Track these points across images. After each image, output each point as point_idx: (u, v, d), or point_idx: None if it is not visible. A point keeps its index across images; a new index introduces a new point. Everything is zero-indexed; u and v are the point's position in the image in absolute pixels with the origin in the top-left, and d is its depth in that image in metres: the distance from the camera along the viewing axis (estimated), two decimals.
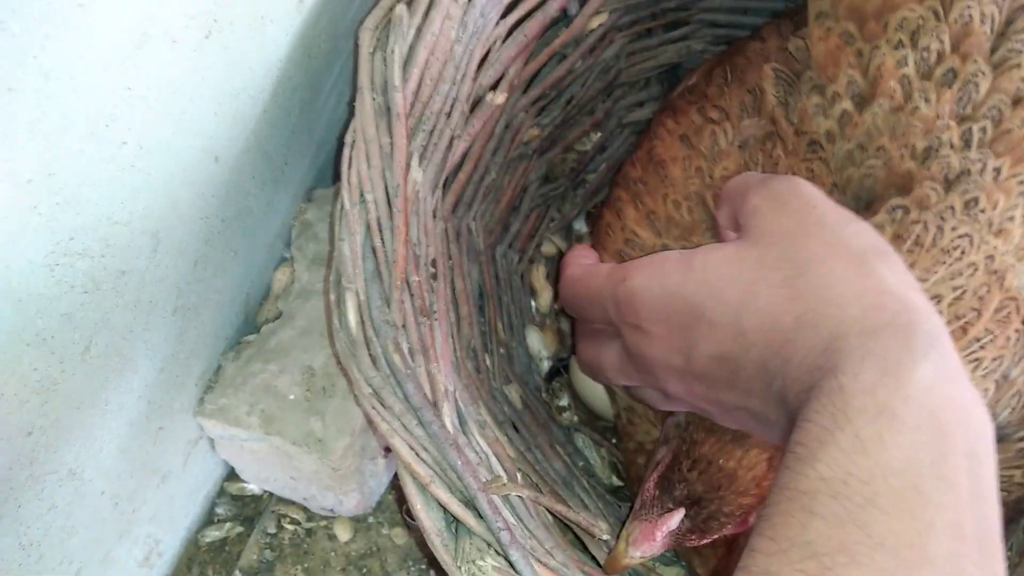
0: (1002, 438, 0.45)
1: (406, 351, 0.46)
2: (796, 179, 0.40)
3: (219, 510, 0.64)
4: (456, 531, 0.44)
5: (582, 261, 0.52)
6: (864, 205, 0.46)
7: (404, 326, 0.47)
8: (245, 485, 0.64)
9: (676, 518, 0.46)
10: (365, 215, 0.48)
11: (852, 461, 0.29)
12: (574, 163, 0.73)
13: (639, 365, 0.45)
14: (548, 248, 0.72)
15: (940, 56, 0.45)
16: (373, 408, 0.43)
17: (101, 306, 0.42)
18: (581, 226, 0.74)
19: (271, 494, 0.64)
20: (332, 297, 0.46)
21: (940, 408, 0.30)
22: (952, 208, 0.43)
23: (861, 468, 0.29)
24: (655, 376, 0.43)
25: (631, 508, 0.51)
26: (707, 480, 0.45)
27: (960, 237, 0.43)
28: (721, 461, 0.45)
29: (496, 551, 0.43)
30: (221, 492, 0.64)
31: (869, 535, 0.28)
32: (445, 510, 0.43)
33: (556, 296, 0.71)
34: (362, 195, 0.48)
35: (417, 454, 0.44)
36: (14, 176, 0.33)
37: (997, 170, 0.43)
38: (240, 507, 0.65)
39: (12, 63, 0.31)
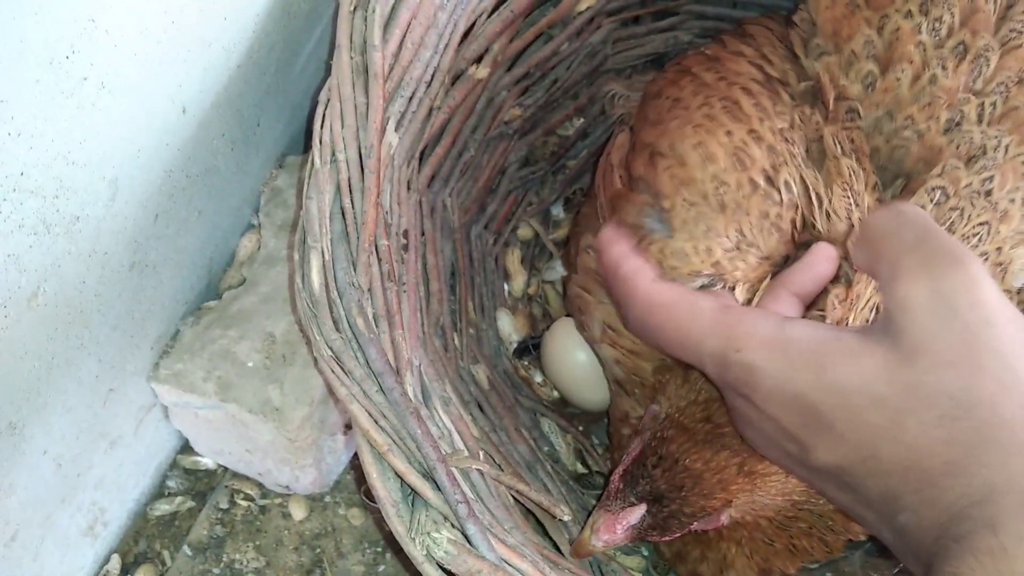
0: None
1: (370, 316, 0.44)
2: (970, 266, 0.32)
3: (170, 483, 0.62)
4: (412, 503, 0.42)
5: (639, 266, 0.43)
6: (892, 177, 0.44)
7: (370, 290, 0.45)
8: (199, 459, 0.62)
9: (636, 514, 0.45)
10: (336, 175, 0.46)
11: None
12: (555, 147, 0.71)
13: (737, 424, 0.41)
14: (524, 231, 0.71)
15: (951, 29, 0.44)
16: (332, 372, 0.42)
17: (52, 251, 0.40)
18: (559, 211, 0.72)
19: (225, 469, 0.62)
20: (296, 257, 0.44)
21: None
22: (976, 192, 0.42)
23: None
24: (751, 441, 0.40)
25: (602, 493, 0.49)
26: (670, 479, 0.44)
27: (980, 225, 0.42)
28: (687, 461, 0.43)
29: (452, 524, 0.41)
30: (174, 465, 0.62)
31: None
32: (402, 481, 0.42)
33: (530, 281, 0.70)
34: (334, 154, 0.46)
35: (376, 421, 0.42)
36: None
37: (1007, 148, 0.43)
38: (193, 481, 0.62)
39: None
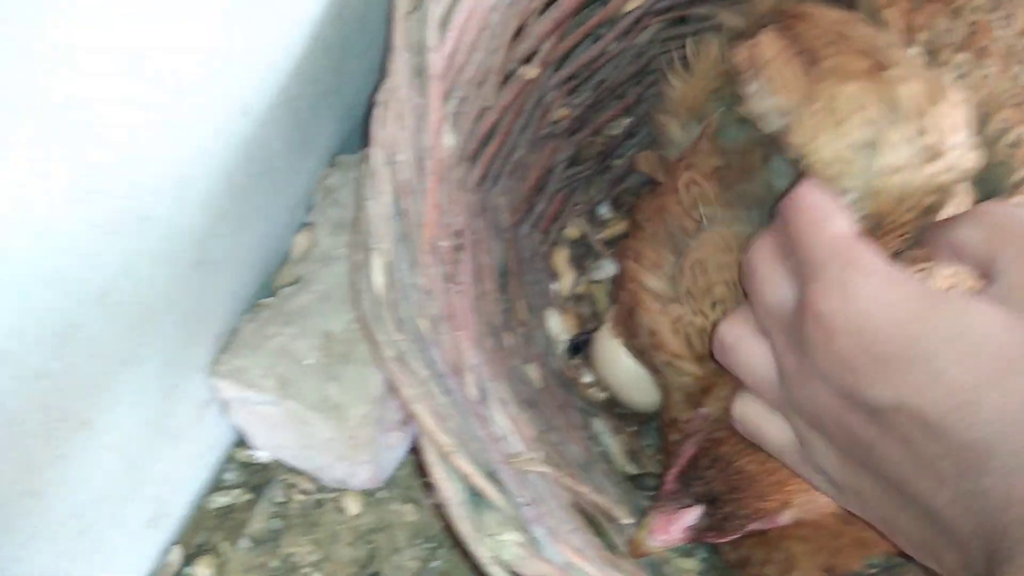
0: None
1: (432, 316, 0.45)
2: None
3: (227, 476, 0.63)
4: (477, 505, 0.42)
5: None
6: (987, 195, 0.41)
7: (430, 291, 0.45)
8: (254, 452, 0.63)
9: (693, 515, 0.45)
10: (394, 176, 0.46)
11: None
12: (602, 147, 0.71)
13: (789, 367, 0.37)
14: (572, 231, 0.71)
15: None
16: (397, 373, 0.42)
17: (123, 250, 0.41)
18: (606, 211, 0.72)
19: (280, 463, 0.63)
20: (358, 257, 0.45)
21: None
22: None
23: None
24: (796, 385, 0.36)
25: (655, 494, 0.49)
26: (725, 480, 0.44)
27: None
28: (742, 463, 0.43)
29: (518, 526, 0.41)
30: (230, 458, 0.63)
31: None
32: (466, 482, 0.42)
33: (578, 280, 0.70)
34: (392, 156, 0.47)
35: (441, 422, 0.42)
36: (41, 101, 0.32)
37: None
38: (248, 474, 0.63)
39: None
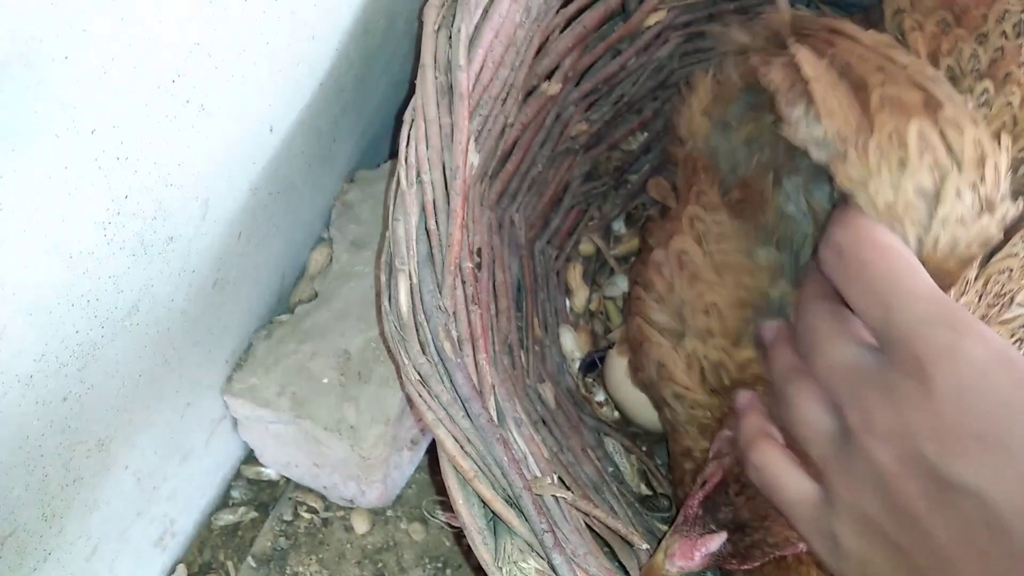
0: None
1: (455, 339, 0.44)
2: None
3: (234, 493, 0.62)
4: (495, 530, 0.42)
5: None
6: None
7: (455, 313, 0.45)
8: (262, 469, 0.62)
9: (717, 541, 0.44)
10: (421, 196, 0.46)
11: None
12: (618, 162, 0.71)
13: (867, 412, 0.35)
14: (586, 247, 0.70)
15: None
16: (420, 396, 0.42)
17: (147, 271, 0.40)
18: (620, 227, 0.72)
19: (288, 480, 0.62)
20: (384, 278, 0.44)
21: None
22: None
23: None
24: (860, 427, 0.35)
25: (673, 518, 0.49)
26: (754, 507, 0.43)
27: None
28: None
29: (539, 553, 0.41)
30: (238, 475, 0.62)
31: None
32: (487, 507, 0.42)
33: (591, 297, 0.69)
34: (419, 175, 0.46)
35: (462, 447, 0.42)
36: (78, 124, 0.31)
37: None
38: (256, 491, 0.63)
39: (88, 3, 0.29)
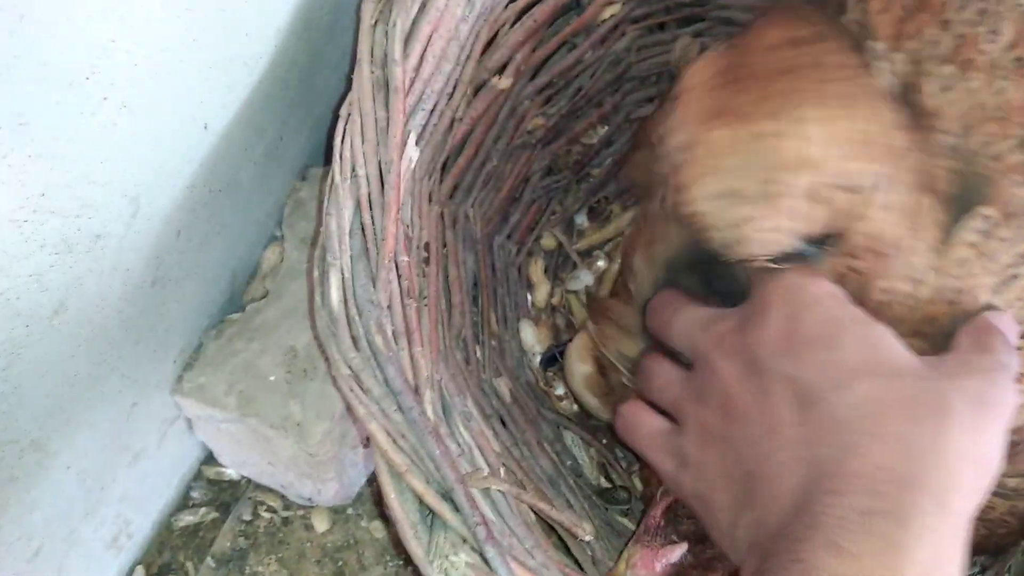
0: None
1: (389, 333, 0.44)
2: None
3: (194, 494, 0.62)
4: (431, 524, 0.42)
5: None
6: (963, 208, 0.41)
7: (389, 307, 0.45)
8: (223, 469, 0.62)
9: (677, 553, 0.44)
10: (356, 190, 0.46)
11: None
12: (579, 156, 0.71)
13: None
14: (548, 241, 0.70)
15: (1011, 43, 0.42)
16: (351, 391, 0.41)
17: (73, 269, 0.40)
18: (583, 220, 0.72)
19: (249, 480, 0.62)
20: (316, 274, 0.44)
21: None
22: None
23: None
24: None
25: (630, 510, 0.49)
26: None
27: None
28: None
29: (472, 547, 0.41)
30: (198, 475, 0.62)
31: None
32: (421, 501, 0.41)
33: (553, 291, 0.69)
34: (354, 169, 0.46)
35: (394, 441, 0.42)
36: None
37: None
38: (217, 492, 0.63)
39: None
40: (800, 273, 0.39)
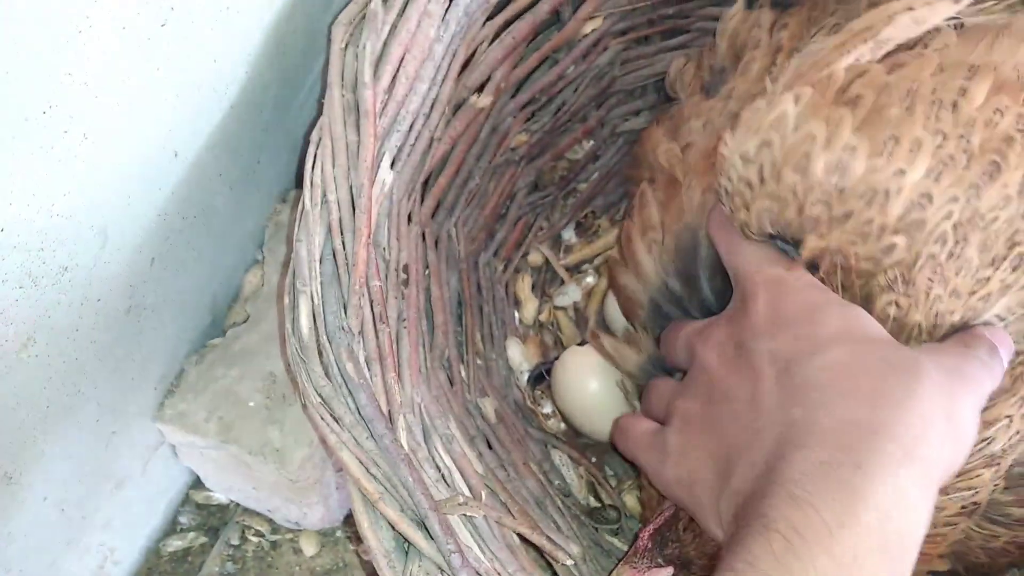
0: None
1: (362, 359, 0.44)
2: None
3: (182, 519, 0.62)
4: (407, 553, 0.41)
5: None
6: None
7: (361, 333, 0.44)
8: (211, 493, 0.62)
9: None
10: (327, 216, 0.46)
11: None
12: (564, 171, 0.70)
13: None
14: (535, 257, 0.70)
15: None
16: (322, 419, 0.41)
17: (40, 302, 0.40)
18: (570, 236, 0.71)
19: (237, 504, 0.62)
20: (287, 301, 0.44)
21: (915, 552, 0.32)
22: None
23: None
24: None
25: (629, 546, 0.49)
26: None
27: None
28: None
29: (446, 575, 0.40)
30: (186, 500, 0.62)
31: None
32: (395, 529, 0.41)
33: (541, 307, 0.69)
34: (324, 195, 0.46)
35: (367, 469, 0.41)
36: None
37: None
38: (205, 516, 0.62)
39: None
40: (781, 265, 0.40)
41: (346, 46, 0.49)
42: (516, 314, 0.68)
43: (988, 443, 0.40)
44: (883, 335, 0.37)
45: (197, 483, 0.62)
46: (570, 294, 0.69)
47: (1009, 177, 0.38)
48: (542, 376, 0.65)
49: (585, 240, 0.71)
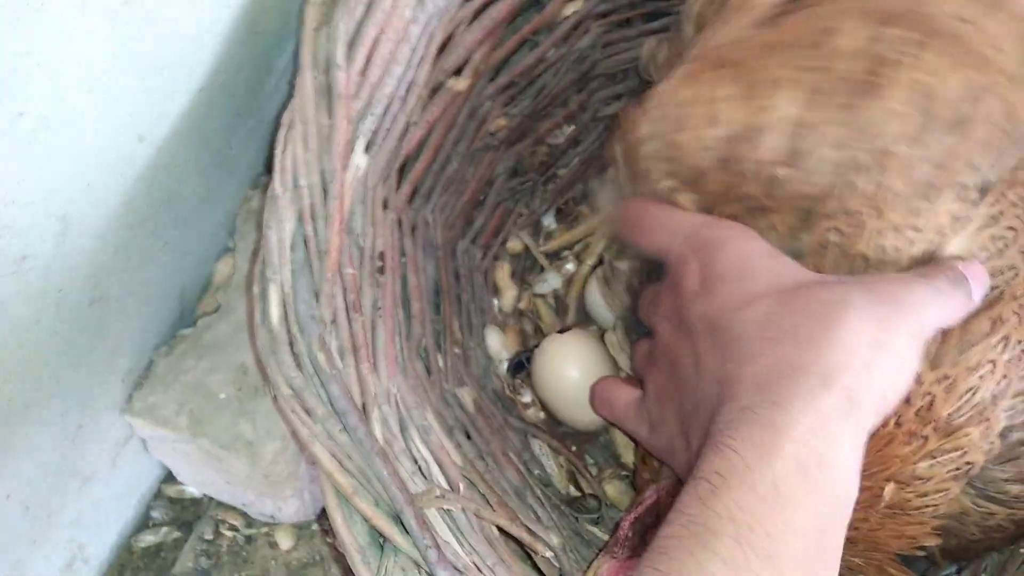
0: None
1: (334, 349, 0.42)
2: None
3: (155, 513, 0.61)
4: (383, 548, 0.40)
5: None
6: None
7: (334, 322, 0.43)
8: (184, 487, 0.61)
9: None
10: (298, 201, 0.44)
11: (764, 511, 0.29)
12: (545, 156, 0.69)
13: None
14: (514, 244, 0.68)
15: None
16: (293, 412, 0.40)
17: None
18: (550, 222, 0.70)
19: (211, 498, 0.61)
20: (256, 290, 0.42)
21: (840, 488, 0.32)
22: None
23: (771, 521, 0.29)
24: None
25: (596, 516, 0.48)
26: None
27: None
28: None
29: (425, 570, 0.39)
30: (158, 494, 0.61)
31: None
32: (369, 524, 0.40)
33: (520, 295, 0.68)
34: (295, 180, 0.44)
35: (340, 463, 0.40)
36: None
37: None
38: (178, 510, 0.61)
39: None
40: (702, 226, 0.40)
41: (319, 27, 0.48)
42: (495, 302, 0.67)
43: (972, 392, 0.39)
44: (813, 278, 0.37)
45: (169, 477, 0.61)
46: (550, 281, 0.68)
47: (892, 94, 0.37)
48: (521, 365, 0.64)
49: (565, 226, 0.70)
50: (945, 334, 0.38)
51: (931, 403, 0.39)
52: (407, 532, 0.39)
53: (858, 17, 0.39)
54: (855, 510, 0.40)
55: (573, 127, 0.70)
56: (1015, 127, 0.39)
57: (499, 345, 0.64)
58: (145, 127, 0.45)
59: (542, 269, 0.68)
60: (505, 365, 0.64)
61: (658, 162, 0.42)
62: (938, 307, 0.36)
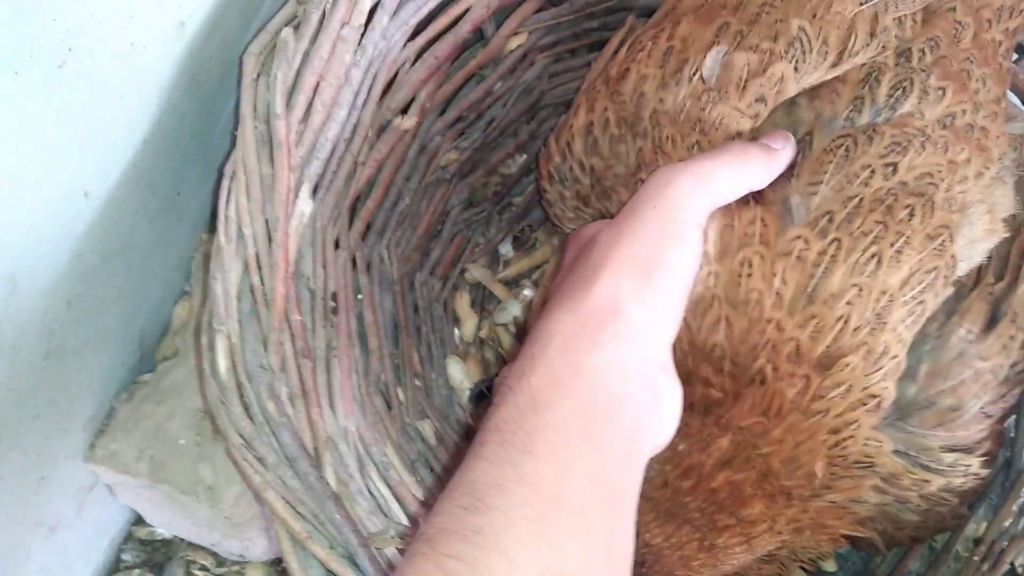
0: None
1: (284, 396, 0.43)
2: None
3: (126, 556, 0.61)
4: None
5: None
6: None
7: (283, 369, 0.44)
8: (154, 529, 0.61)
9: None
10: (243, 251, 0.45)
11: (524, 417, 0.33)
12: (498, 186, 0.70)
13: None
14: (472, 274, 0.69)
15: None
16: (245, 460, 0.41)
17: None
18: (508, 250, 0.71)
19: (181, 539, 0.61)
20: (204, 340, 0.43)
21: (601, 388, 0.35)
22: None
23: (529, 423, 0.33)
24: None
25: None
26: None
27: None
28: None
29: None
30: (129, 537, 0.61)
31: (519, 473, 0.32)
32: (326, 568, 0.41)
33: (481, 324, 0.68)
34: (240, 229, 0.45)
35: (294, 508, 0.41)
36: None
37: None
38: (150, 552, 0.62)
39: None
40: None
41: (258, 76, 0.49)
42: (456, 332, 0.68)
43: (844, 320, 0.39)
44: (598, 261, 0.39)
45: (140, 519, 0.61)
46: (510, 309, 0.69)
47: None
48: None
49: (523, 253, 0.71)
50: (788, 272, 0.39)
51: (797, 347, 0.39)
52: (362, 574, 0.40)
53: None
54: (795, 503, 0.41)
55: (524, 156, 0.71)
56: None
57: (461, 375, 0.65)
58: (90, 182, 0.45)
59: (499, 301, 0.69)
60: (468, 395, 0.65)
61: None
62: (727, 170, 0.40)
